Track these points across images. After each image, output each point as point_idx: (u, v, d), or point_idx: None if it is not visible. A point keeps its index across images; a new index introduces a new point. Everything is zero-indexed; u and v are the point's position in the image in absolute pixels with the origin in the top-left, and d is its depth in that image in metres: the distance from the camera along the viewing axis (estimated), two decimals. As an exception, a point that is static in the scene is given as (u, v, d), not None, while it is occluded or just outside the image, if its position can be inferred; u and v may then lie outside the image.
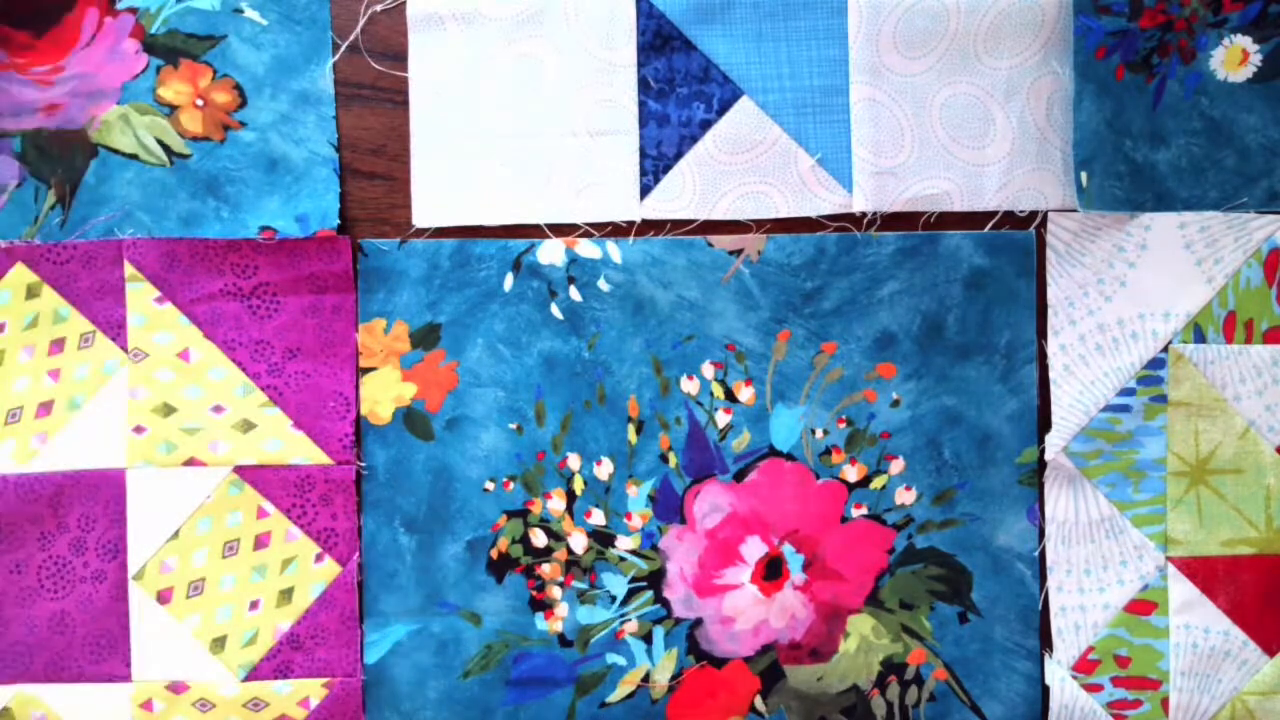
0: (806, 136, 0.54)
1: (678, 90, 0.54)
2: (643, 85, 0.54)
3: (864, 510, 0.55)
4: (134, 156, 0.55)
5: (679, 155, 0.54)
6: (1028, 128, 0.54)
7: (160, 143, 0.55)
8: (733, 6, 0.54)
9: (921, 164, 0.54)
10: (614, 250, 0.54)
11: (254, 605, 0.54)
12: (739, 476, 0.55)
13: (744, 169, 0.54)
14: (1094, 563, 0.55)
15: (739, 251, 0.54)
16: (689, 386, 0.55)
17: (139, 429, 0.54)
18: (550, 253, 0.54)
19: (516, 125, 0.54)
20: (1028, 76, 0.54)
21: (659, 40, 0.54)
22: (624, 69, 0.54)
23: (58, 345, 0.55)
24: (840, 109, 0.54)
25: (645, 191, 0.54)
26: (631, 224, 0.54)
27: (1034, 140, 0.54)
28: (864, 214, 0.54)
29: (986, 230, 0.54)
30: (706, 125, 0.54)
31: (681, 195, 0.54)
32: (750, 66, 0.54)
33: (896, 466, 0.55)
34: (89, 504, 0.54)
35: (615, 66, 0.54)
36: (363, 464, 0.55)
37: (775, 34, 0.54)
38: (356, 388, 0.55)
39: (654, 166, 0.54)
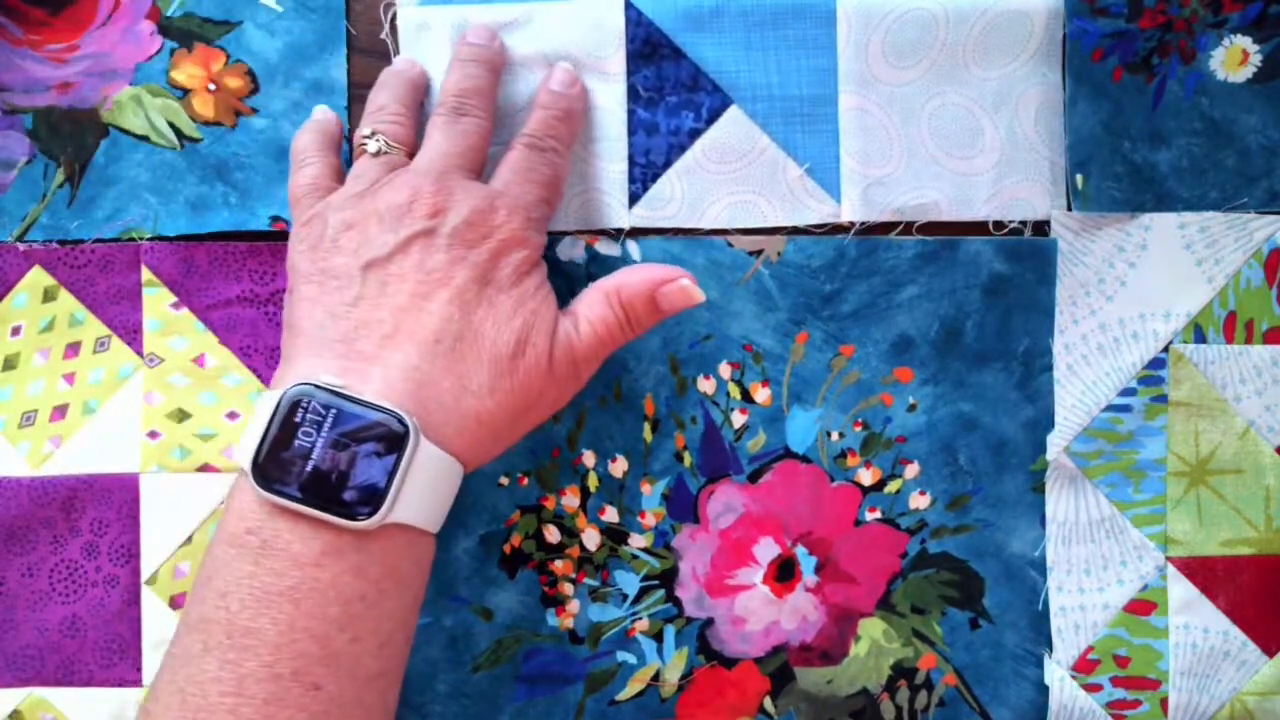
0: (795, 146, 0.54)
1: (667, 98, 0.54)
2: (632, 93, 0.54)
3: (878, 514, 0.55)
4: (145, 138, 0.54)
5: (668, 164, 0.54)
6: (1016, 138, 0.54)
7: (172, 125, 0.54)
8: (722, 15, 0.54)
9: (910, 174, 0.54)
10: (634, 248, 0.54)
11: (266, 612, 0.54)
12: (753, 477, 0.55)
13: (732, 178, 0.54)
14: (1094, 563, 0.55)
15: (759, 252, 0.54)
16: (705, 386, 0.55)
17: (153, 434, 0.54)
18: (570, 250, 0.54)
19: (505, 133, 0.53)
20: (1017, 86, 0.54)
21: (648, 48, 0.54)
22: (613, 77, 0.54)
23: (73, 349, 0.54)
24: (829, 118, 0.54)
25: (634, 199, 0.54)
26: (620, 231, 0.54)
27: (1023, 150, 0.54)
28: (852, 223, 0.54)
29: (1006, 235, 0.55)
30: (695, 134, 0.54)
31: (670, 204, 0.54)
32: (739, 75, 0.54)
33: (911, 471, 0.55)
34: (102, 508, 0.54)
35: (604, 74, 0.54)
36: None
37: (764, 43, 0.54)
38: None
39: (643, 175, 0.54)
